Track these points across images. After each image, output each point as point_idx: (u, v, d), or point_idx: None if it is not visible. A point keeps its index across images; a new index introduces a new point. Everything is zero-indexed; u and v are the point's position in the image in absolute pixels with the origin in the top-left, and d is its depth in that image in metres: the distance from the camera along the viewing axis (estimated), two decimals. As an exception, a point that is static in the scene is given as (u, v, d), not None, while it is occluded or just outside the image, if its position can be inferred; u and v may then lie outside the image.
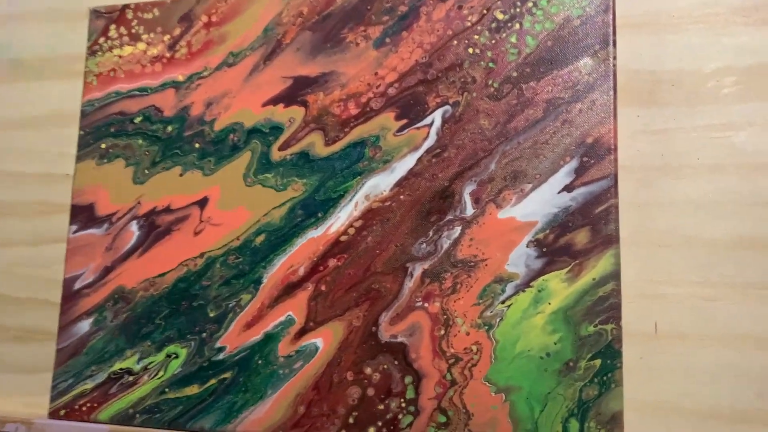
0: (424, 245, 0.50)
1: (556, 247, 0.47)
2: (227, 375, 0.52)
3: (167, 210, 0.56)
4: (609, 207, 0.48)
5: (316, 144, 0.52)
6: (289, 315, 0.52)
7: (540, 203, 0.48)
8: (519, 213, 0.48)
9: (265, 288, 0.52)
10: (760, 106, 0.47)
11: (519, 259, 0.47)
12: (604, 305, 0.47)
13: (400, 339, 0.50)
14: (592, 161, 0.48)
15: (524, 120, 0.50)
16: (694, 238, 0.48)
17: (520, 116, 0.51)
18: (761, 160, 0.47)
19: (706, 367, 0.47)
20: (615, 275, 0.47)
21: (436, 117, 0.50)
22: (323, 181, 0.52)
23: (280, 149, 0.54)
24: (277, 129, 0.53)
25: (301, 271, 0.52)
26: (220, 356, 0.53)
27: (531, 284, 0.46)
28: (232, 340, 0.53)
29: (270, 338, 0.52)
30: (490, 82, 0.52)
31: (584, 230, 0.47)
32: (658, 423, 0.47)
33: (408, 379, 0.48)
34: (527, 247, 0.47)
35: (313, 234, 0.53)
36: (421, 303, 0.49)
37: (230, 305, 0.53)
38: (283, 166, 0.53)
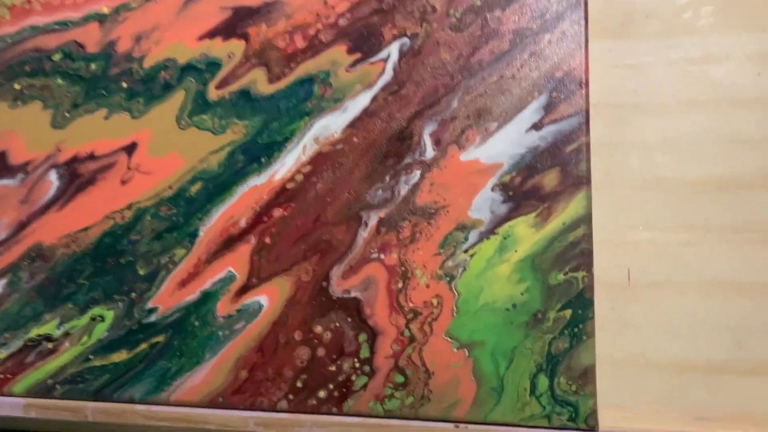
0: (380, 192, 0.46)
1: (523, 190, 0.44)
2: (160, 339, 0.48)
3: (91, 157, 0.50)
4: (580, 146, 0.44)
5: (259, 81, 0.47)
6: (229, 271, 0.47)
7: (506, 143, 0.44)
8: (483, 155, 0.45)
9: (202, 242, 0.48)
10: (739, 37, 0.44)
11: (483, 204, 0.44)
12: (574, 251, 0.44)
13: (353, 294, 0.46)
14: (562, 97, 0.44)
15: (489, 53, 0.46)
16: (669, 180, 0.44)
17: (485, 49, 0.46)
18: (741, 95, 0.43)
19: (683, 317, 0.44)
20: (586, 219, 0.44)
21: (393, 50, 0.45)
22: (267, 122, 0.47)
23: (217, 88, 0.48)
24: (214, 65, 0.48)
25: (243, 223, 0.47)
26: (152, 318, 0.48)
27: (496, 231, 0.43)
28: (165, 299, 0.48)
29: (208, 297, 0.48)
30: (451, 11, 0.47)
31: (553, 172, 0.44)
32: (631, 378, 0.44)
33: (362, 337, 0.44)
34: (492, 191, 0.43)
35: (256, 181, 0.47)
36: (376, 255, 0.46)
37: (162, 261, 0.48)
38: (221, 106, 0.48)
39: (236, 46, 0.47)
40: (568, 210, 0.42)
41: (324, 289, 0.46)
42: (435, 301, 0.44)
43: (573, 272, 0.42)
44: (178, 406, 0.45)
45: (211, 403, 0.45)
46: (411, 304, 0.44)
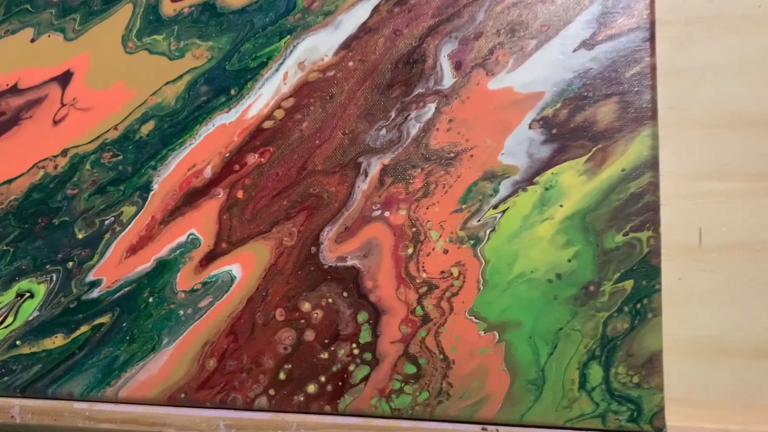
0: (384, 131, 0.38)
1: (570, 127, 0.36)
2: (104, 319, 0.40)
3: (14, 90, 0.42)
4: (643, 70, 0.35)
5: None
6: (191, 234, 0.40)
7: (548, 67, 0.36)
8: (518, 81, 0.37)
9: (157, 197, 0.40)
10: None
11: (519, 146, 0.37)
12: (636, 205, 0.35)
13: (350, 262, 0.38)
14: (620, 6, 0.34)
15: (525, -52, 0.36)
16: (752, 115, 0.35)
17: (520, -57, 0.36)
18: None
19: (765, 288, 0.34)
20: (651, 164, 0.34)
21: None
22: (237, 43, 0.40)
23: (173, 0, 0.40)
24: (169, -31, 0.40)
25: (209, 172, 0.40)
26: (94, 294, 0.41)
27: (535, 180, 0.36)
28: (111, 270, 0.40)
29: (165, 266, 0.40)
30: None
31: (609, 103, 0.36)
32: (701, 366, 0.35)
33: (362, 317, 0.36)
34: (530, 128, 0.37)
35: (224, 119, 0.40)
36: (380, 212, 0.38)
37: (107, 222, 0.41)
38: (178, 23, 0.40)
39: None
40: (629, 153, 0.35)
41: (313, 256, 0.38)
42: (456, 271, 0.37)
43: (635, 232, 0.34)
44: (129, 404, 0.39)
45: (171, 401, 0.38)
46: (424, 275, 0.37)
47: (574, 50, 0.37)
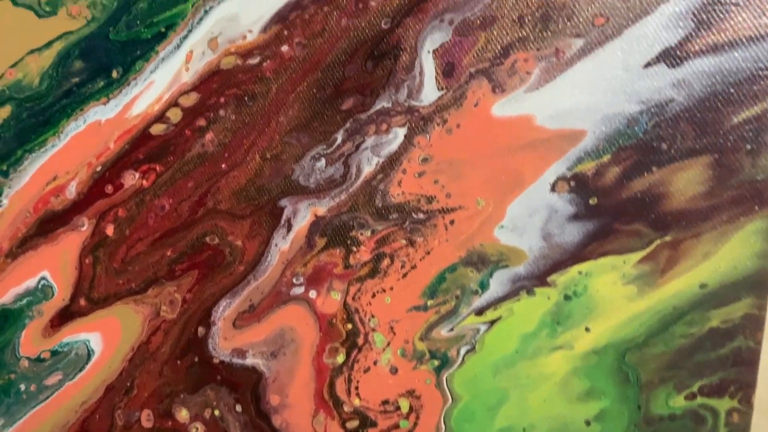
0: (323, 163, 0.27)
1: (620, 198, 0.24)
2: None
3: None
4: (765, 112, 0.20)
5: None
6: (43, 279, 0.31)
7: (598, 89, 0.24)
8: (545, 108, 0.24)
9: (5, 217, 0.31)
10: None
11: (530, 217, 0.25)
12: (718, 351, 0.23)
13: (251, 361, 0.28)
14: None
15: None
16: None
17: None
18: None
19: None
20: (758, 283, 0.22)
21: None
22: (126, 2, 0.29)
23: None
24: None
25: (72, 191, 0.30)
26: None
27: (550, 280, 0.25)
28: None
29: (8, 318, 0.31)
30: None
31: (696, 165, 0.23)
32: None
33: None
34: (553, 190, 0.24)
35: (100, 114, 0.29)
36: (303, 289, 0.27)
37: None
38: None
39: None
40: (718, 257, 0.23)
41: (200, 342, 0.29)
42: (405, 405, 0.26)
43: (708, 397, 0.23)
44: None
45: None
46: (357, 402, 0.27)
47: (647, 65, 0.23)
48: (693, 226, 0.23)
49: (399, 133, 0.26)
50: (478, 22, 0.25)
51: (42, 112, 0.31)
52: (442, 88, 0.26)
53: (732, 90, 0.22)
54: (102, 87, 0.30)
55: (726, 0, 0.22)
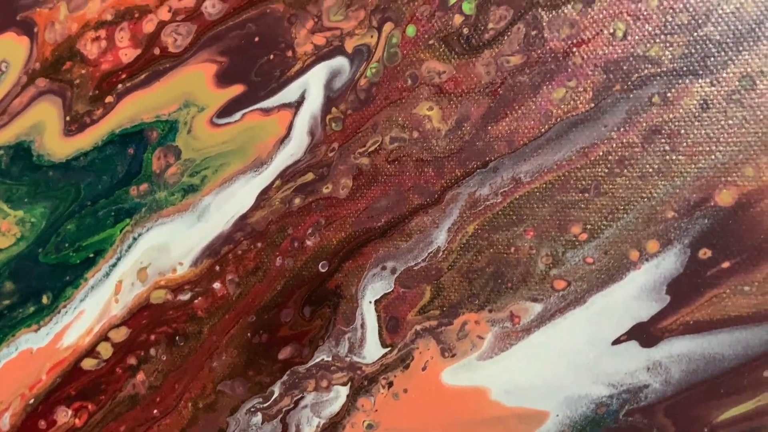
0: (259, 418, 0.23)
1: None
2: None
3: None
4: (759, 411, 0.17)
5: (49, 129, 0.26)
6: None
7: (558, 363, 0.20)
8: (500, 380, 0.21)
9: None
10: None
11: None
12: None
13: None
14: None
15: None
16: None
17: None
18: None
19: None
20: None
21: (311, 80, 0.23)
22: (56, 219, 0.26)
23: None
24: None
25: (6, 422, 0.27)
26: None
27: None
28: None
29: None
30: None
31: None
32: None
33: None
34: None
35: (32, 342, 0.27)
36: None
37: None
38: None
39: (12, 49, 0.27)
40: None
41: None
42: None
43: None
44: None
45: None
46: None
47: (616, 341, 0.19)
48: None
49: (341, 392, 0.23)
50: (423, 273, 0.22)
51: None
52: (387, 345, 0.23)
53: (717, 381, 0.19)
54: (33, 312, 0.28)
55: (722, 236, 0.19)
